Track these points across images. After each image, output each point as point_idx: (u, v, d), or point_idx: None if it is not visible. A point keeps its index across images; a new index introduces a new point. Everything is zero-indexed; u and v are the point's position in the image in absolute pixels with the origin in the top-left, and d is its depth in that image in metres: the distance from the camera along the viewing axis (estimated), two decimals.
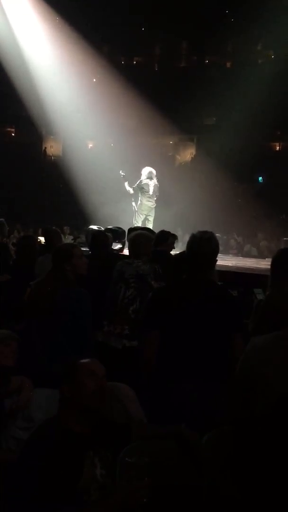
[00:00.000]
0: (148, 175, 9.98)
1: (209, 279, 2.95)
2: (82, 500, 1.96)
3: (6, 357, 2.74)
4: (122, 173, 10.17)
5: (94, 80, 20.82)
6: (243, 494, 2.10)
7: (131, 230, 5.63)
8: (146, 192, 9.93)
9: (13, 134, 26.40)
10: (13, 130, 26.31)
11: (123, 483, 1.97)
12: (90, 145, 23.91)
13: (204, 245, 2.89)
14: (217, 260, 3.00)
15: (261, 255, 13.95)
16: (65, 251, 3.45)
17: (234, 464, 2.16)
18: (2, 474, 2.23)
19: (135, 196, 10.09)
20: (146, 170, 10.05)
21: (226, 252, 14.34)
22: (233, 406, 2.21)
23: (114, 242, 5.87)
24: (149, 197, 9.96)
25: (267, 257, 11.30)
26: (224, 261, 10.38)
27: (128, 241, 4.66)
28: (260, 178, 21.09)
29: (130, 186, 10.04)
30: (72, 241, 11.46)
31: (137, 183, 10.00)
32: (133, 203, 10.16)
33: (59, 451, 1.98)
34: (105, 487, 2.02)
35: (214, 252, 2.94)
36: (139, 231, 4.58)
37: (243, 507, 2.07)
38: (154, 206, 10.11)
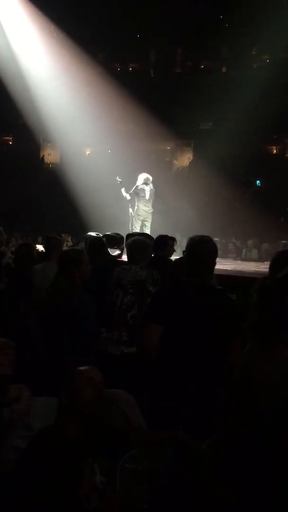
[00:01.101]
0: (144, 180, 10.05)
1: (207, 283, 2.93)
2: (83, 508, 1.95)
3: (3, 365, 2.71)
4: (118, 179, 10.22)
5: (90, 87, 20.88)
6: (241, 499, 2.09)
7: (129, 236, 5.64)
8: (142, 197, 9.99)
9: (10, 143, 26.46)
10: (10, 138, 26.37)
11: (123, 489, 1.96)
12: (88, 152, 23.96)
13: (202, 248, 2.89)
14: (215, 264, 2.99)
15: (260, 259, 13.94)
16: (75, 258, 3.50)
17: (233, 470, 2.16)
18: (2, 483, 2.22)
19: (131, 202, 10.15)
20: (143, 176, 10.12)
21: (225, 256, 14.33)
22: (232, 409, 2.21)
23: (112, 248, 5.88)
24: (146, 202, 10.01)
25: (266, 260, 11.30)
26: (222, 265, 10.39)
27: (126, 247, 4.67)
28: (258, 181, 21.09)
29: (127, 192, 10.09)
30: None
31: (133, 188, 10.06)
32: (130, 209, 10.22)
33: (57, 458, 1.97)
34: (105, 493, 2.01)
35: (213, 255, 2.93)
36: (136, 237, 4.58)
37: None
38: (151, 211, 10.16)
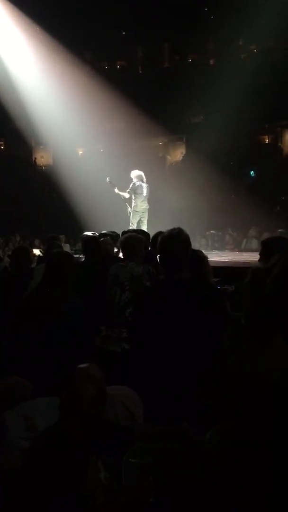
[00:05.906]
0: (139, 177, 10.10)
1: (183, 279, 2.75)
2: (88, 505, 1.96)
3: None
4: (108, 180, 10.32)
5: (79, 87, 20.82)
6: (249, 488, 2.10)
7: (123, 233, 5.66)
8: (140, 194, 10.06)
9: (2, 147, 26.41)
10: (1, 143, 26.32)
11: (128, 484, 1.97)
12: (80, 152, 23.93)
13: (172, 243, 2.75)
14: (188, 256, 2.78)
15: (259, 248, 13.90)
16: (57, 261, 3.48)
17: (238, 459, 2.16)
18: (8, 484, 2.23)
19: (129, 200, 10.19)
20: (136, 173, 10.18)
21: (222, 248, 14.34)
22: (229, 399, 2.22)
23: None
24: (144, 199, 10.08)
25: None
26: (220, 257, 10.41)
27: (119, 244, 4.70)
28: (252, 172, 21.08)
29: (121, 190, 10.15)
30: (71, 249, 11.53)
31: (131, 186, 10.08)
32: (128, 207, 10.28)
33: (61, 457, 1.98)
34: (110, 490, 2.02)
35: (184, 249, 2.75)
36: (129, 234, 4.62)
37: (250, 502, 2.07)
38: (148, 207, 10.23)
